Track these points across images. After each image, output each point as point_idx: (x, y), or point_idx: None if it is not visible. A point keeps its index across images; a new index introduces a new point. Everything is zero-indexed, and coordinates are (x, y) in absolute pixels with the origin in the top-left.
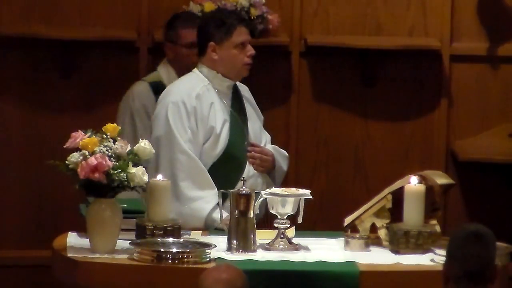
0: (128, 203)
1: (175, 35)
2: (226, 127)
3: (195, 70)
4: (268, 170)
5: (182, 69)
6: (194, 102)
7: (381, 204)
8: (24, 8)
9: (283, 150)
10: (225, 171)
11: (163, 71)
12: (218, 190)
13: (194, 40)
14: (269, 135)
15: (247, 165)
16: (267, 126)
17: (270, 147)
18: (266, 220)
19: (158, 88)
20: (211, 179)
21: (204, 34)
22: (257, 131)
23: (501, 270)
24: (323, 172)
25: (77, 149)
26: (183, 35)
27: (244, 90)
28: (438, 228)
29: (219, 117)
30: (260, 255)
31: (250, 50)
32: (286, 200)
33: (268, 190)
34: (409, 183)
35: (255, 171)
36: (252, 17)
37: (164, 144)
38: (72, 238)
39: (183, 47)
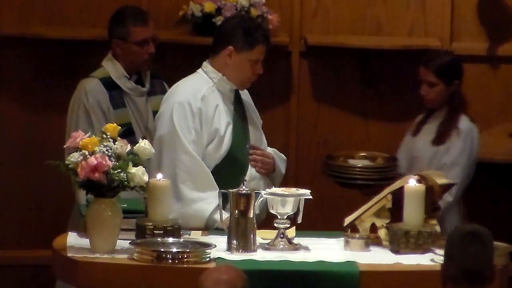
0: (128, 203)
1: (125, 32)
2: (229, 129)
3: (200, 70)
4: (269, 172)
5: (130, 65)
6: (200, 104)
7: (381, 204)
8: (24, 8)
9: (281, 154)
10: (227, 173)
11: (109, 66)
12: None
13: (145, 38)
14: (265, 139)
15: (249, 167)
16: (267, 126)
17: (269, 150)
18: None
19: (108, 84)
20: (213, 180)
21: (226, 36)
22: (258, 134)
23: (500, 270)
24: None
25: (77, 149)
26: (134, 32)
27: (243, 93)
28: (438, 228)
29: (223, 120)
30: (260, 255)
31: (259, 70)
32: (286, 200)
33: (268, 190)
34: (409, 183)
35: (257, 174)
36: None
37: (167, 144)
38: (72, 238)
39: (134, 44)
